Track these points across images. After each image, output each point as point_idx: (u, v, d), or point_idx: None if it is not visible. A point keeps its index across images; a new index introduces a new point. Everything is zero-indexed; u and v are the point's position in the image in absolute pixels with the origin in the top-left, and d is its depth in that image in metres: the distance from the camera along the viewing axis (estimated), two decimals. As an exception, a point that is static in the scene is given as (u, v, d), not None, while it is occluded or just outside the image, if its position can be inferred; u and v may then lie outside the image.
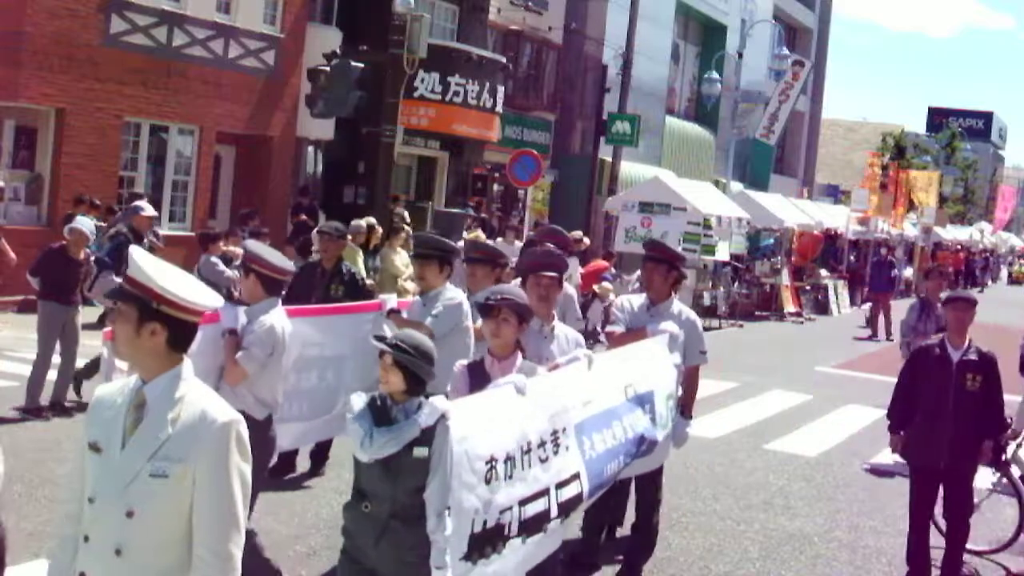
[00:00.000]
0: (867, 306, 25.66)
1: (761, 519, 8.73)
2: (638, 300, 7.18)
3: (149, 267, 3.16)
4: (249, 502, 5.70)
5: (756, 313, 24.65)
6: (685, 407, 7.05)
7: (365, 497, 4.46)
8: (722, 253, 23.06)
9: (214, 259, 12.19)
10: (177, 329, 3.16)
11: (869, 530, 8.58)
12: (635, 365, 6.20)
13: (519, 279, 6.75)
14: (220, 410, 3.15)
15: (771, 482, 9.91)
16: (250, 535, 5.74)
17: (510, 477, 4.71)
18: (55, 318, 10.27)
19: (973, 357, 7.31)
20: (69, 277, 10.39)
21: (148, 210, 12.97)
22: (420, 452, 4.34)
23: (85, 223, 10.93)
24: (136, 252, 3.24)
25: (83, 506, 3.21)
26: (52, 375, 10.27)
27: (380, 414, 4.41)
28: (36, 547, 6.68)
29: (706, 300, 22.28)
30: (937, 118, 74.35)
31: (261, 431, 5.86)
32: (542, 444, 4.97)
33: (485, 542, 4.55)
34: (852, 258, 32.09)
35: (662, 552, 7.64)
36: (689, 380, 7.09)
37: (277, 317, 5.94)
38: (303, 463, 8.67)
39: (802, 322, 25.09)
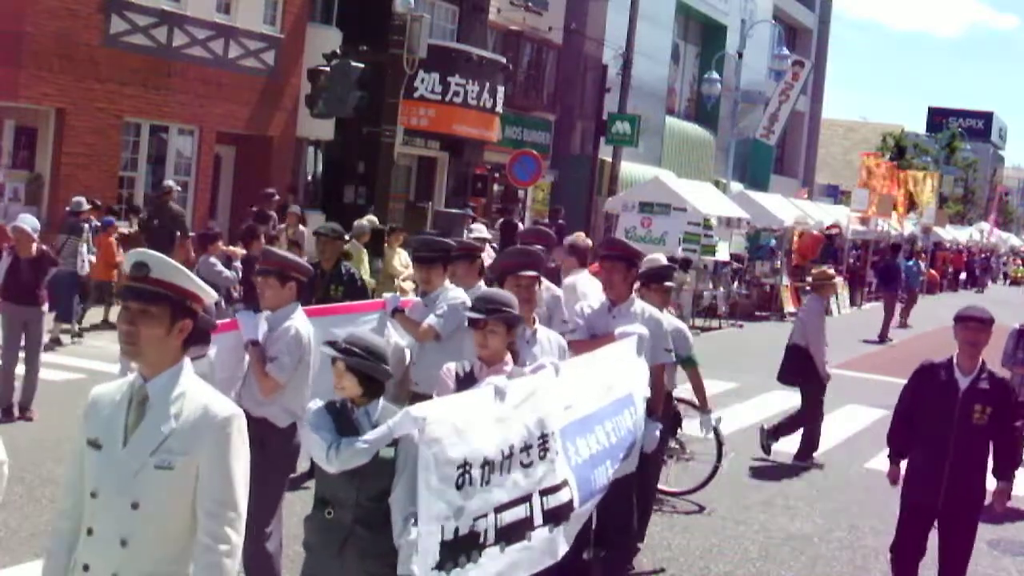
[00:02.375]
0: (869, 306, 25.67)
1: (761, 519, 8.73)
2: (597, 302, 6.95)
3: (176, 267, 3.29)
4: (272, 506, 5.74)
5: (756, 313, 24.63)
6: (653, 408, 6.73)
7: (328, 504, 4.33)
8: (722, 253, 23.05)
9: (213, 259, 12.16)
10: (196, 324, 3.32)
11: (869, 530, 8.58)
12: (612, 367, 6.01)
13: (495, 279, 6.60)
14: (221, 405, 3.28)
15: (771, 482, 9.91)
16: (269, 536, 5.76)
17: (487, 483, 4.52)
18: (13, 319, 10.13)
19: (984, 386, 6.16)
20: (22, 277, 10.14)
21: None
22: (386, 452, 4.21)
23: (27, 220, 10.52)
24: (153, 254, 3.30)
25: (83, 501, 3.29)
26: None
27: (342, 420, 4.28)
28: (37, 547, 6.68)
29: (706, 300, 22.27)
30: (937, 118, 74.37)
31: (285, 438, 5.82)
32: (526, 448, 4.79)
33: (459, 550, 4.36)
34: (852, 258, 32.07)
35: (662, 552, 7.64)
36: (656, 380, 6.75)
37: (301, 322, 5.87)
38: (303, 463, 8.66)
39: (802, 322, 25.04)
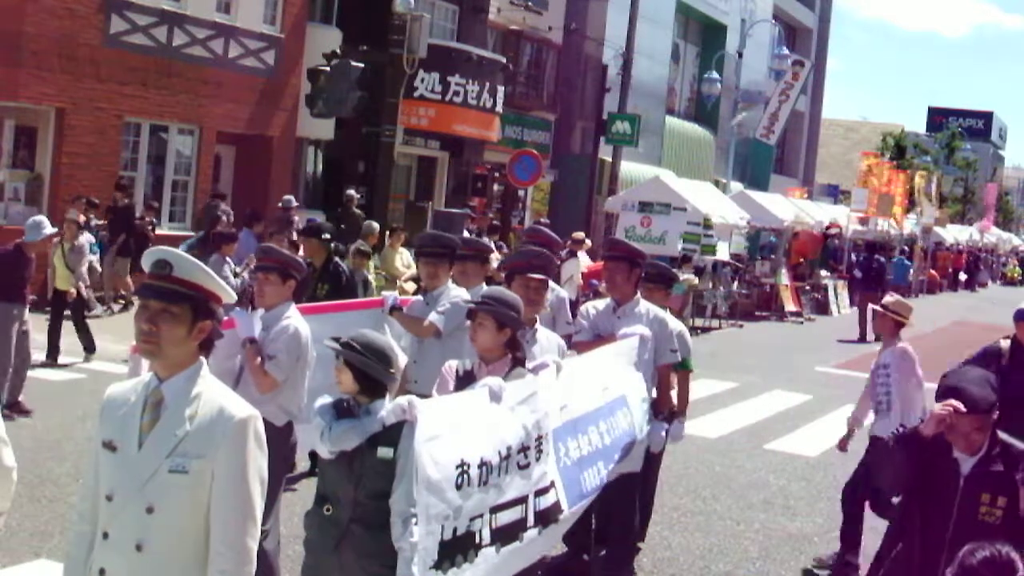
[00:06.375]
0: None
1: (761, 519, 8.74)
2: (602, 304, 6.97)
3: (200, 267, 3.25)
4: (268, 505, 5.74)
5: (756, 313, 24.65)
6: (659, 409, 6.81)
7: (327, 501, 4.35)
8: (722, 253, 23.07)
9: (228, 260, 12.15)
10: (215, 326, 3.27)
11: (869, 530, 8.55)
12: (609, 368, 6.03)
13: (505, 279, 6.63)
14: (237, 406, 3.21)
15: (771, 482, 9.90)
16: (267, 534, 5.76)
17: (484, 483, 4.54)
18: (10, 317, 10.16)
19: (996, 467, 4.27)
20: (22, 276, 10.27)
21: None
22: (384, 452, 4.21)
23: (48, 225, 10.67)
24: (176, 252, 3.26)
25: (99, 504, 3.25)
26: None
27: (344, 414, 4.32)
28: (37, 547, 6.69)
29: (706, 300, 22.29)
30: (937, 118, 74.36)
31: (281, 437, 5.81)
32: (523, 450, 4.81)
33: (456, 550, 4.41)
34: (855, 258, 32.07)
35: (662, 552, 7.65)
36: (662, 380, 6.84)
37: (298, 321, 5.89)
38: (303, 463, 8.67)
39: (802, 322, 25.09)
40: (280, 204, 18.51)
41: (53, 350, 12.28)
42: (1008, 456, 4.30)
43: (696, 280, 20.22)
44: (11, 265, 10.25)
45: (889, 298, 7.95)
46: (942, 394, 4.31)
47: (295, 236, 15.45)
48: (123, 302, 16.81)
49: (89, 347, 12.63)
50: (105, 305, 16.32)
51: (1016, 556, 3.22)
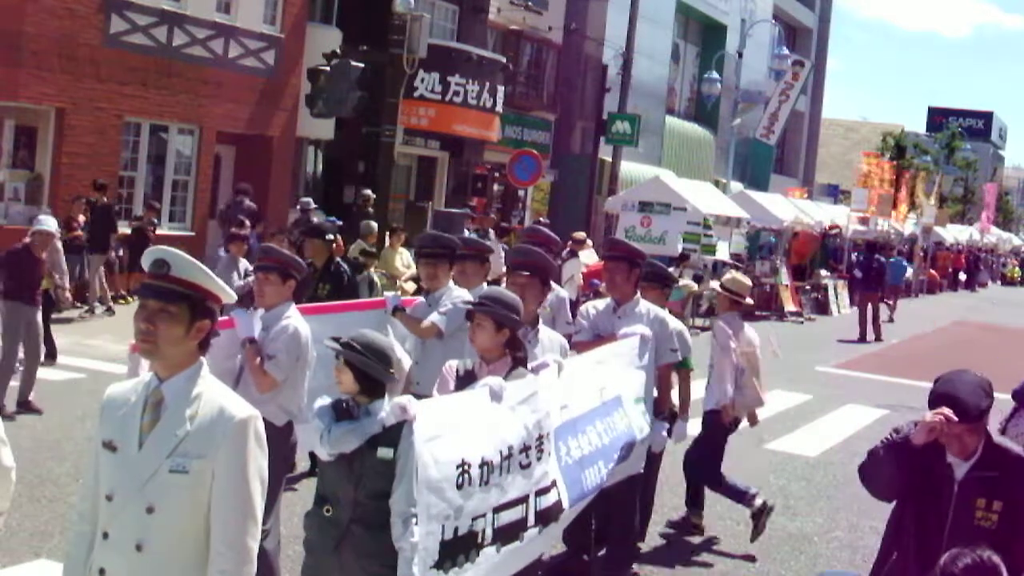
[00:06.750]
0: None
1: (761, 519, 8.73)
2: (602, 303, 6.96)
3: (197, 266, 3.24)
4: (268, 505, 5.73)
5: (756, 313, 24.63)
6: (660, 408, 6.78)
7: (327, 501, 4.35)
8: (722, 253, 23.07)
9: (240, 260, 12.14)
10: (214, 326, 3.26)
11: (869, 530, 8.57)
12: (606, 367, 6.03)
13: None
14: (237, 406, 3.21)
15: (771, 482, 9.90)
16: (267, 534, 5.76)
17: (486, 483, 4.54)
18: (18, 317, 10.20)
19: (991, 471, 4.11)
20: (33, 276, 10.34)
21: None
22: (384, 453, 4.21)
23: (51, 223, 10.77)
24: (174, 251, 3.25)
25: (99, 503, 3.25)
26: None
27: (343, 415, 4.32)
28: (37, 547, 6.69)
29: (706, 300, 22.29)
30: (937, 118, 74.31)
31: (281, 437, 5.81)
32: (525, 450, 4.81)
33: (458, 550, 4.40)
34: (855, 258, 32.07)
35: (662, 552, 7.64)
36: (663, 380, 6.82)
37: (298, 321, 5.89)
38: (303, 463, 8.67)
39: (802, 322, 25.08)
40: (298, 207, 18.50)
41: (50, 350, 12.27)
42: (1004, 460, 4.14)
43: (695, 286, 20.25)
44: (17, 265, 10.29)
45: (727, 276, 8.39)
46: (933, 401, 4.14)
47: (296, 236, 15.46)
48: (121, 301, 16.76)
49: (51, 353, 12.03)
50: (105, 305, 16.29)
51: (999, 561, 3.18)
